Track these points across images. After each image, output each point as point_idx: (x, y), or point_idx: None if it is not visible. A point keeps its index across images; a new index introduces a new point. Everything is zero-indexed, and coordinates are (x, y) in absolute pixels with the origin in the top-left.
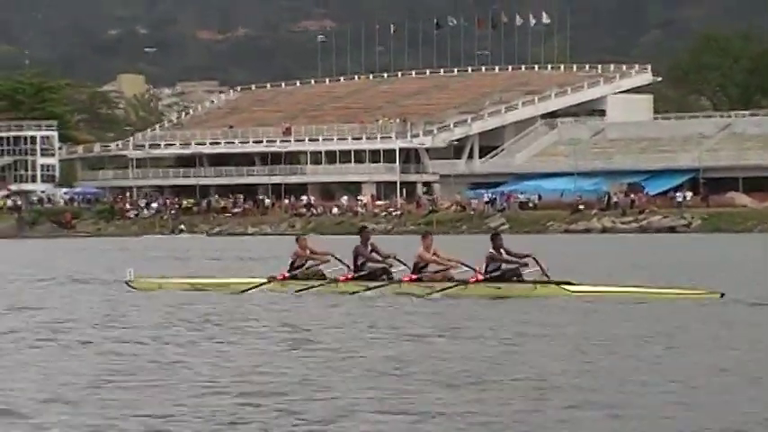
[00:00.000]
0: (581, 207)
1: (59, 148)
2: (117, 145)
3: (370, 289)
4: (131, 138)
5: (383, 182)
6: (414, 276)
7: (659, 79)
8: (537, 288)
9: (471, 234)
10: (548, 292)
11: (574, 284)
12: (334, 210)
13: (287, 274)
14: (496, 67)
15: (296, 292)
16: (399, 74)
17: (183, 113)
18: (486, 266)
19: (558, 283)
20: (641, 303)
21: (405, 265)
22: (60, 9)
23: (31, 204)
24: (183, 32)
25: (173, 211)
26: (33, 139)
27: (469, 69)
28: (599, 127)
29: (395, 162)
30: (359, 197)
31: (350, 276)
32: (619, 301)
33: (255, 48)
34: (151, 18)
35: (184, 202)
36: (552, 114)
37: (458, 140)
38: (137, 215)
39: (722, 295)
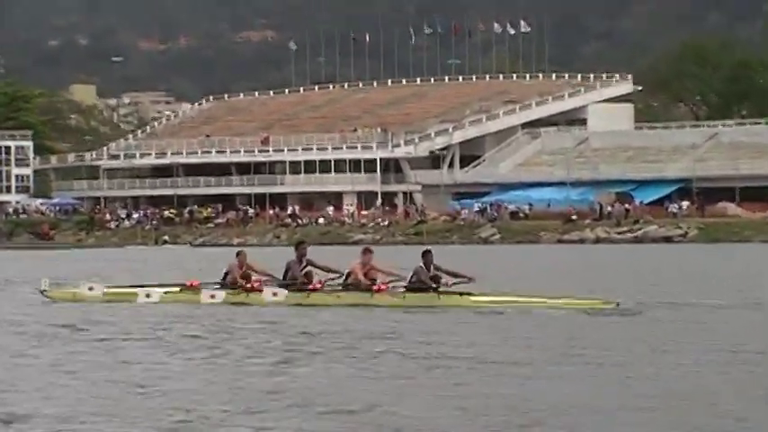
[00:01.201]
0: (574, 217)
1: (33, 158)
2: (91, 155)
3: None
4: (105, 148)
5: (364, 192)
6: (319, 285)
7: (640, 88)
8: (440, 298)
9: (462, 245)
10: (450, 301)
11: (475, 295)
12: (320, 220)
13: (196, 282)
14: (474, 77)
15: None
16: (375, 83)
17: (157, 123)
18: (411, 278)
19: (461, 294)
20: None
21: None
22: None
23: (6, 215)
24: (125, 43)
25: (154, 222)
26: (8, 149)
27: (446, 79)
28: (583, 136)
29: (375, 172)
30: (346, 206)
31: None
32: (513, 310)
33: (197, 58)
34: (92, 28)
35: (166, 213)
36: (532, 124)
37: (439, 150)
38: (117, 226)
39: (618, 305)
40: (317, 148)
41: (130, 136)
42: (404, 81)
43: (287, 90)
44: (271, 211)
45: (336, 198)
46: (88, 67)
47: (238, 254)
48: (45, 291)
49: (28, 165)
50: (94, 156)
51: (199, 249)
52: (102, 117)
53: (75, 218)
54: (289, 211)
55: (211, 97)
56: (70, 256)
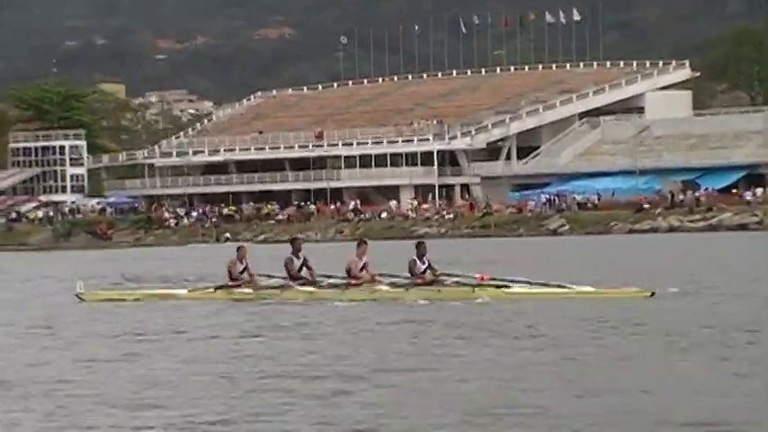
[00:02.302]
0: (646, 206)
1: (87, 158)
2: (143, 153)
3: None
4: (156, 146)
5: (421, 185)
6: (353, 282)
7: (698, 74)
8: (475, 291)
9: (529, 237)
10: (487, 294)
11: (510, 287)
12: (383, 214)
13: (232, 283)
14: (526, 67)
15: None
16: (425, 75)
17: (206, 120)
18: (410, 271)
19: (497, 287)
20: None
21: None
22: (14, 22)
23: (62, 216)
24: (143, 42)
25: (214, 219)
26: (62, 148)
27: (498, 70)
28: (643, 124)
29: (431, 165)
30: (408, 200)
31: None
32: (547, 302)
33: (215, 56)
34: (108, 28)
35: (225, 210)
36: (588, 113)
37: (495, 141)
38: (176, 224)
39: (653, 294)
40: (373, 142)
41: (181, 134)
42: (454, 73)
43: (335, 84)
44: (332, 207)
45: (393, 192)
46: (106, 67)
47: (239, 249)
48: (80, 293)
49: (82, 164)
50: (146, 154)
51: (260, 246)
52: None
53: (133, 217)
54: (350, 206)
55: (259, 93)
56: (129, 255)
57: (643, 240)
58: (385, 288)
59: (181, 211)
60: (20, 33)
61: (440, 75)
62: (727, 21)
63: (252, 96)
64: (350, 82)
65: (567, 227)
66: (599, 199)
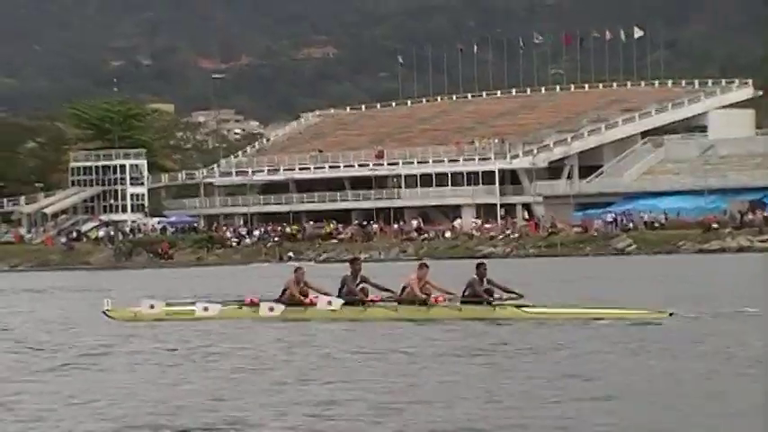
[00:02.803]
0: (715, 226)
1: (147, 177)
2: (202, 173)
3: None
4: (216, 165)
5: (482, 204)
6: (376, 298)
7: (761, 93)
8: (495, 309)
9: (596, 256)
10: (505, 313)
11: (530, 306)
12: (447, 234)
13: (255, 299)
14: (586, 86)
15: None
16: (484, 94)
17: (265, 140)
18: (465, 291)
19: (517, 306)
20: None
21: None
22: (59, 41)
23: (123, 235)
24: (185, 61)
25: (276, 239)
26: (123, 167)
27: (557, 88)
28: (707, 144)
29: (492, 183)
30: (472, 219)
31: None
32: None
33: (258, 76)
34: (152, 48)
35: (288, 229)
36: (649, 132)
37: (557, 160)
38: (238, 243)
39: (671, 314)
40: (433, 161)
41: (239, 153)
42: (513, 92)
43: (393, 103)
44: (395, 226)
45: (454, 211)
46: (150, 86)
47: (296, 270)
48: (107, 310)
49: (142, 183)
50: (205, 173)
51: (322, 265)
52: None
53: (193, 236)
54: (413, 226)
55: (317, 112)
56: (192, 274)
57: (713, 260)
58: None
59: (242, 231)
60: (64, 52)
61: (498, 93)
62: None
63: (309, 115)
64: (408, 101)
65: (633, 246)
66: (666, 218)
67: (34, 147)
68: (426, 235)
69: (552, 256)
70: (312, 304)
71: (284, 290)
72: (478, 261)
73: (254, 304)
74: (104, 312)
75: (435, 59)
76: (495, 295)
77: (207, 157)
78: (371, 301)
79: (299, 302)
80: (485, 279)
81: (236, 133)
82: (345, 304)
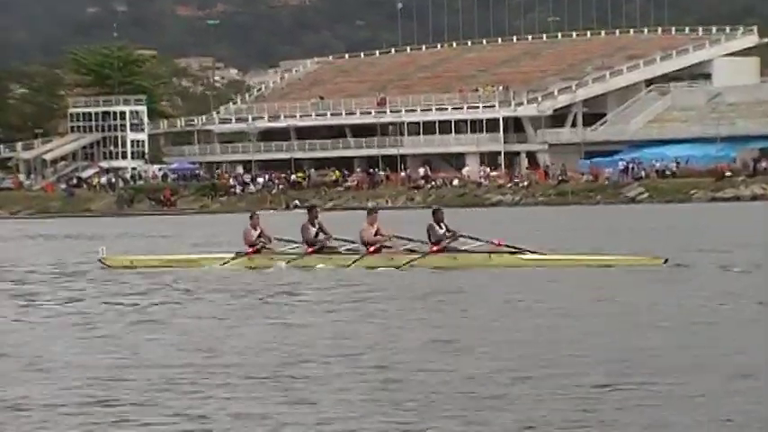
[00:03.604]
0: (728, 174)
1: (147, 124)
2: (201, 119)
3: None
4: (215, 112)
5: (486, 152)
6: (371, 249)
7: (766, 41)
8: (492, 257)
9: (606, 204)
10: (502, 261)
11: (527, 253)
12: (455, 181)
13: (251, 250)
14: (588, 33)
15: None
16: (484, 41)
17: (263, 86)
18: (429, 238)
19: (512, 253)
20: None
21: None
22: None
23: (125, 182)
24: (162, 9)
25: (281, 186)
26: (123, 114)
27: (559, 36)
28: (714, 91)
29: (497, 132)
30: (481, 167)
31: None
32: (565, 268)
33: (236, 24)
34: None
35: (293, 176)
36: (652, 80)
37: (561, 108)
38: (242, 191)
39: (666, 261)
40: (436, 109)
41: (238, 100)
42: (515, 39)
43: (393, 50)
44: (402, 174)
45: (457, 159)
46: (127, 34)
47: (252, 216)
48: (102, 258)
49: (143, 130)
50: (204, 120)
51: (329, 213)
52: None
53: (196, 183)
54: (421, 173)
55: (315, 59)
56: (196, 221)
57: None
58: (401, 254)
59: (246, 178)
60: (44, 2)
61: (500, 41)
62: None
63: (307, 62)
64: (407, 48)
65: (645, 195)
66: (677, 166)
67: (25, 92)
68: (434, 183)
69: (562, 205)
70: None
71: (245, 238)
72: (434, 207)
73: (256, 252)
74: (100, 260)
75: (420, 8)
76: (461, 239)
77: (194, 103)
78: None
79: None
80: (442, 223)
81: (215, 81)
82: (319, 250)
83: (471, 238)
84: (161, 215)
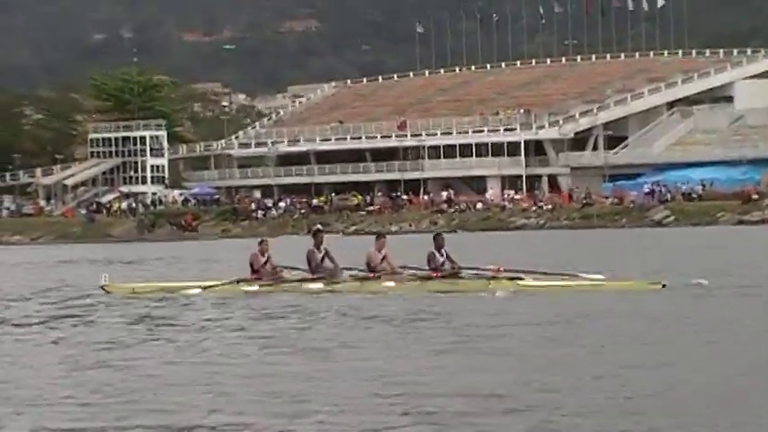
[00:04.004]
0: (755, 197)
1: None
2: (220, 144)
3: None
4: (234, 137)
5: (507, 176)
6: (371, 275)
7: None
8: (491, 283)
9: (632, 228)
10: (500, 286)
11: (524, 279)
12: (479, 205)
13: (253, 276)
14: (608, 55)
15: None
16: (503, 64)
17: (281, 111)
18: (428, 264)
19: (510, 279)
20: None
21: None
22: (41, 14)
23: (145, 207)
24: (168, 34)
25: (302, 211)
26: (143, 139)
27: (579, 58)
28: (736, 114)
29: (517, 155)
30: (505, 191)
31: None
32: (563, 294)
33: (242, 49)
34: (135, 21)
35: (315, 201)
36: (675, 102)
37: (582, 131)
38: (264, 215)
39: (664, 286)
40: (457, 132)
41: (257, 124)
42: (533, 62)
43: (411, 73)
44: (425, 198)
45: (478, 182)
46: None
47: (261, 242)
48: (104, 285)
49: (163, 155)
50: (224, 145)
51: (350, 238)
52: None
53: (217, 208)
54: (444, 197)
55: (333, 83)
56: (218, 246)
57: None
58: (402, 280)
59: (268, 203)
60: (47, 24)
61: (518, 64)
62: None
63: (324, 86)
64: (426, 71)
65: (671, 218)
66: (703, 189)
67: (40, 118)
68: (457, 207)
69: (587, 228)
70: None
71: (251, 264)
72: (435, 233)
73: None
74: (102, 287)
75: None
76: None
77: (205, 128)
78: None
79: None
80: (443, 250)
81: (223, 105)
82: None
83: (471, 269)
84: (182, 240)
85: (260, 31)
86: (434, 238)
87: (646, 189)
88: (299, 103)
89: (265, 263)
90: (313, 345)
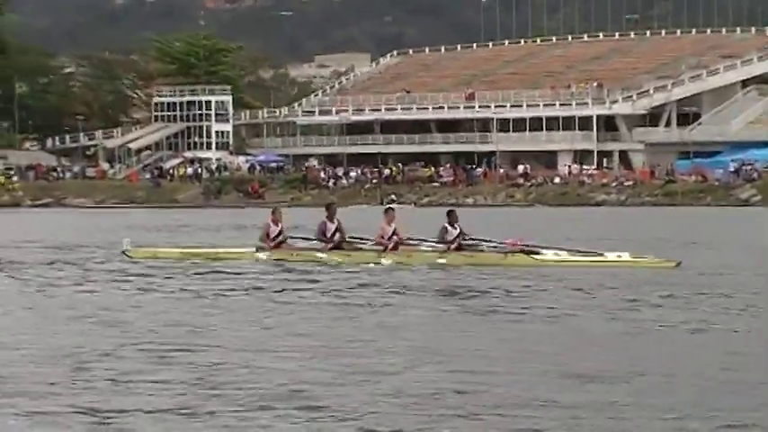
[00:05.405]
0: None
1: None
2: (284, 111)
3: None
4: (297, 104)
5: (579, 150)
6: (390, 246)
7: None
8: (507, 257)
9: (717, 206)
10: (516, 260)
11: (540, 254)
12: (556, 179)
13: (272, 244)
14: (678, 30)
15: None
16: (569, 37)
17: (344, 78)
18: (439, 236)
19: (527, 253)
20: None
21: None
22: None
23: (210, 173)
24: (191, 1)
25: (375, 180)
26: (208, 104)
27: (647, 33)
28: None
29: (588, 129)
30: (584, 166)
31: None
32: (579, 269)
33: (263, 18)
34: None
35: (387, 170)
36: (747, 81)
37: (656, 107)
38: (335, 184)
39: (678, 264)
40: (528, 105)
41: (320, 92)
42: (601, 35)
43: (474, 45)
44: (500, 170)
45: (548, 157)
46: (154, 25)
47: (274, 211)
48: (127, 250)
49: (228, 120)
50: (287, 112)
51: (424, 209)
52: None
53: (285, 176)
54: (520, 170)
55: (395, 52)
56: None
57: None
58: (420, 251)
59: (339, 171)
60: None
61: (585, 37)
62: None
63: (387, 56)
64: (490, 43)
65: (758, 197)
66: None
67: (89, 80)
68: (534, 180)
69: (670, 206)
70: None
71: (267, 233)
72: (449, 208)
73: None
74: (124, 252)
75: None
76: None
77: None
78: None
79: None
80: (456, 224)
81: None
82: (331, 248)
83: (485, 241)
84: (251, 207)
85: (282, 0)
86: (448, 212)
87: (732, 167)
88: (361, 72)
89: (279, 233)
90: None
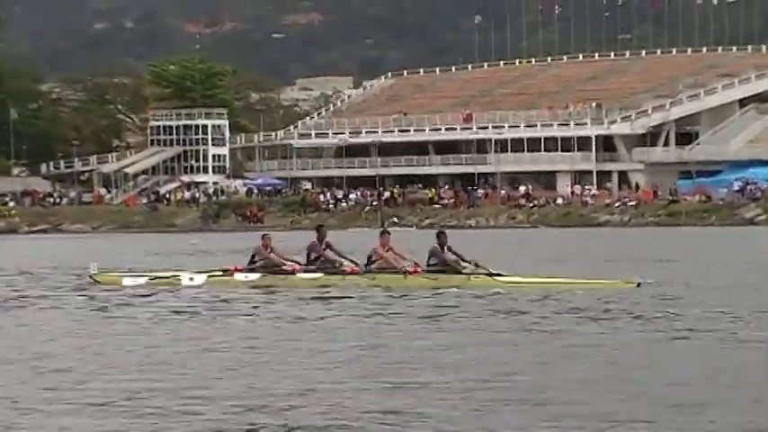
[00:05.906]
0: None
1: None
2: (280, 134)
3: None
4: (293, 127)
5: (577, 171)
6: (356, 269)
7: None
8: (470, 279)
9: (721, 226)
10: (479, 282)
11: (504, 276)
12: (558, 200)
13: (240, 267)
14: (674, 50)
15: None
16: (565, 57)
17: (339, 101)
18: (428, 260)
19: (489, 275)
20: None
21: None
22: (41, 3)
23: (208, 197)
24: (169, 25)
25: (374, 203)
26: (205, 128)
27: (643, 52)
28: None
29: (587, 150)
30: (586, 186)
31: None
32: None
33: (244, 41)
34: (136, 11)
35: (388, 193)
36: (744, 99)
37: (654, 127)
38: (334, 206)
39: (639, 285)
40: (525, 125)
41: (315, 114)
42: (596, 55)
43: (470, 66)
44: (502, 192)
45: (547, 178)
46: (134, 50)
47: (264, 236)
48: (93, 274)
49: (224, 144)
50: (283, 135)
51: (426, 231)
52: None
53: (283, 199)
54: (521, 191)
55: (389, 74)
56: (287, 238)
57: None
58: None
59: (339, 194)
60: (48, 16)
61: (580, 57)
62: None
63: (381, 78)
64: (485, 64)
65: (763, 216)
66: None
67: (78, 106)
68: (536, 201)
69: (674, 226)
70: (292, 272)
71: (253, 256)
72: (438, 230)
73: (238, 271)
74: (90, 277)
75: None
76: (463, 264)
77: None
78: (351, 272)
79: (279, 270)
80: (446, 247)
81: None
82: (318, 270)
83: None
84: (247, 231)
85: (261, 23)
86: (438, 234)
87: (736, 186)
88: (356, 93)
89: (267, 259)
90: None
